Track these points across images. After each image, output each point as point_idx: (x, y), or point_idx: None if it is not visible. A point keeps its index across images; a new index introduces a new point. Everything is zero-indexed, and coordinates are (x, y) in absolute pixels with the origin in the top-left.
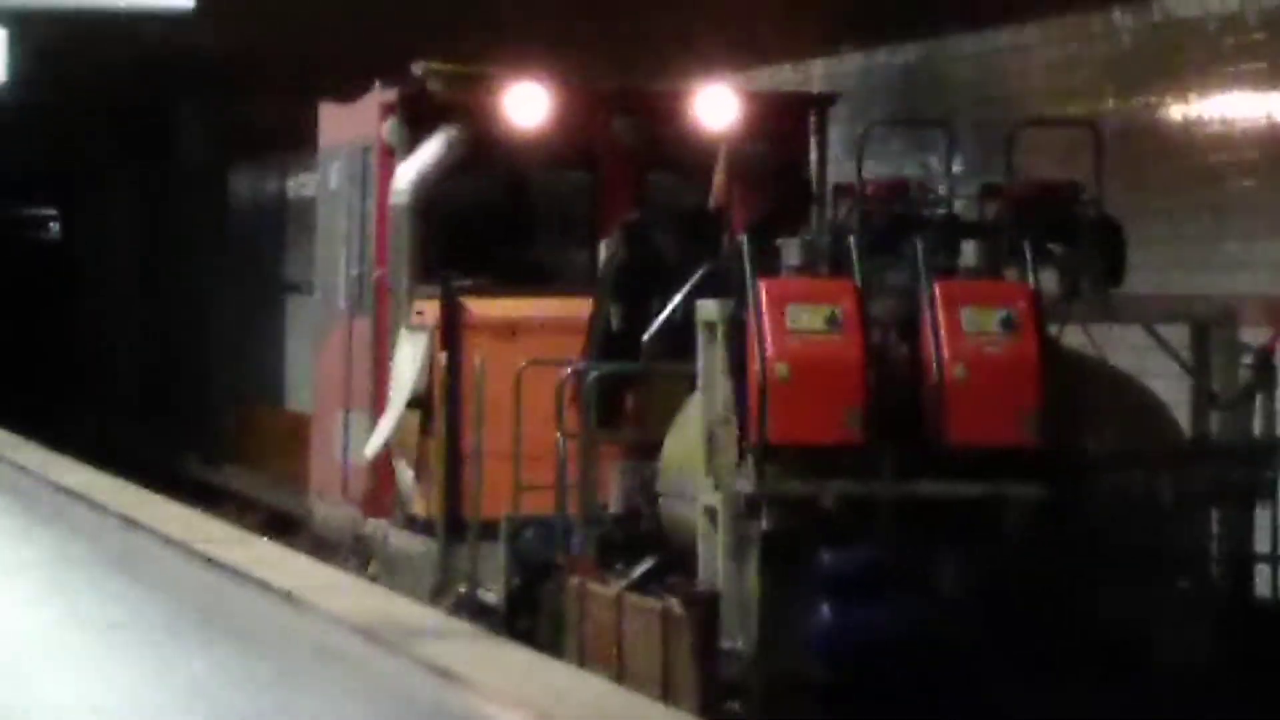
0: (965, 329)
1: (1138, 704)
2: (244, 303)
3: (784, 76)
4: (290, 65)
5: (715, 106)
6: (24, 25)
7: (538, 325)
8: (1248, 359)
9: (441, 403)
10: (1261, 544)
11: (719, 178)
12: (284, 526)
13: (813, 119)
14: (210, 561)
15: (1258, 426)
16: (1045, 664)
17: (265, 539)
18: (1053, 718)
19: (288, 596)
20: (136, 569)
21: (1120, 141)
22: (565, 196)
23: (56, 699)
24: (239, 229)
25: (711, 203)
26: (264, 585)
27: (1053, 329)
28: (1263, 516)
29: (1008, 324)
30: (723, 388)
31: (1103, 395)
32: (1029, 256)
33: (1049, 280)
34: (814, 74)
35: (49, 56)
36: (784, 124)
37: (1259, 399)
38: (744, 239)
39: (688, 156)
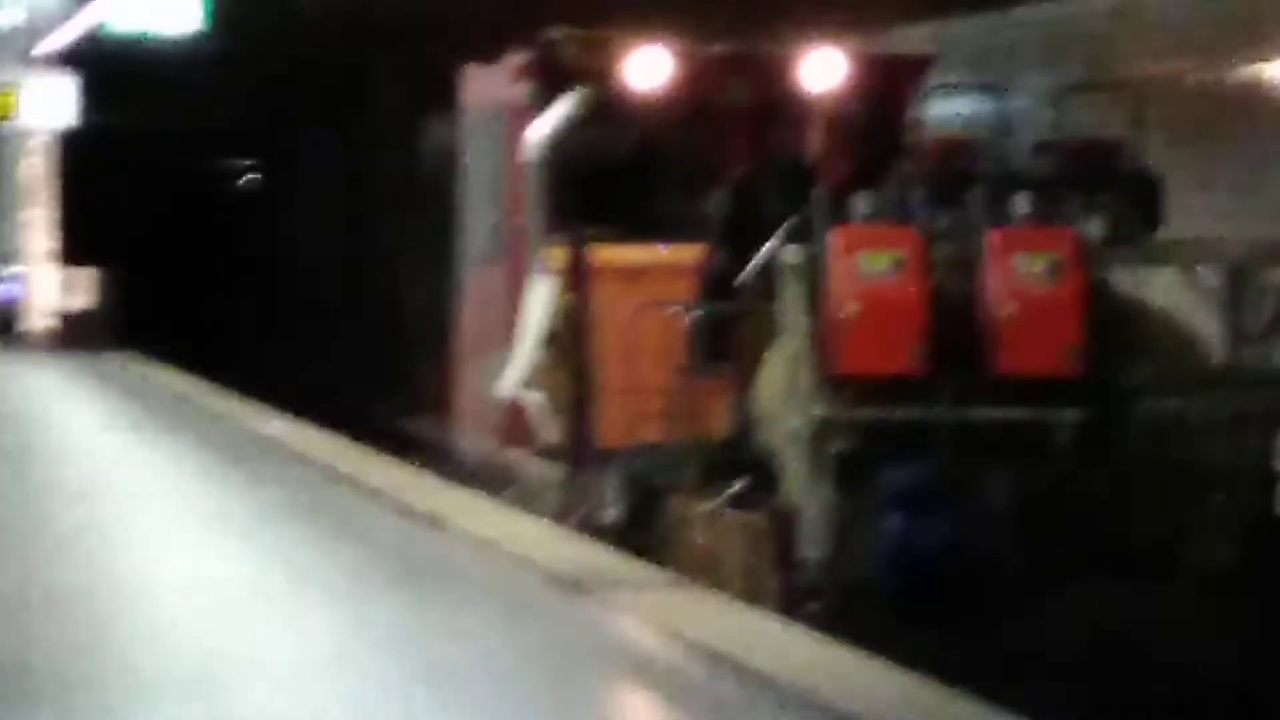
0: (1016, 271)
1: (1183, 613)
2: (438, 256)
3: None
4: (483, 24)
5: (820, 68)
6: None
7: (654, 270)
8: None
9: (569, 341)
10: None
11: (817, 136)
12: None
13: (912, 80)
14: (409, 510)
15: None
16: (1085, 571)
17: (463, 488)
18: (1092, 618)
19: (488, 545)
20: (336, 519)
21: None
22: (683, 152)
23: (257, 651)
24: (433, 182)
25: (810, 159)
26: (464, 534)
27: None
28: None
29: (1054, 267)
30: (802, 325)
31: (1144, 329)
32: (1074, 206)
33: (1095, 227)
34: (914, 37)
35: (248, 7)
36: (884, 84)
37: None
38: (821, 191)
39: (796, 114)
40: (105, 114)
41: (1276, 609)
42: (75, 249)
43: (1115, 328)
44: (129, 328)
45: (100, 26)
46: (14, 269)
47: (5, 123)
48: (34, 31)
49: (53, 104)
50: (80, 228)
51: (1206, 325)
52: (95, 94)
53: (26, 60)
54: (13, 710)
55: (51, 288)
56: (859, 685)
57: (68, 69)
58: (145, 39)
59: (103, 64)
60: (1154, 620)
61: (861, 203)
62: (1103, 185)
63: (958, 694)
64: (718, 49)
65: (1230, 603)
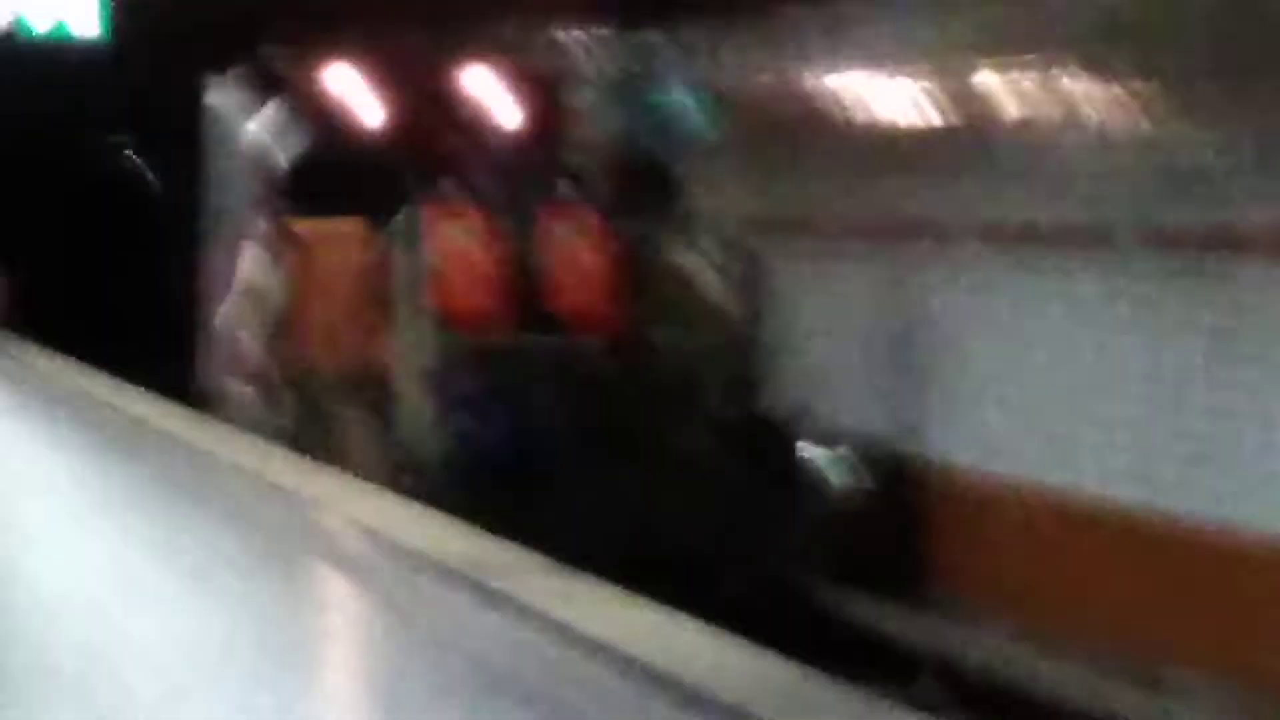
0: (559, 238)
1: (668, 484)
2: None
3: None
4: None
5: (473, 82)
6: None
7: (347, 238)
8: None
9: (269, 292)
10: None
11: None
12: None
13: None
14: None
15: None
16: (605, 465)
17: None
18: (616, 498)
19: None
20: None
21: None
22: (365, 146)
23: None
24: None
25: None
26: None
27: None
28: None
29: (587, 235)
30: (406, 270)
31: (660, 279)
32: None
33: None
34: None
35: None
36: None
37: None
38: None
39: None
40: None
41: (724, 475)
42: None
43: (630, 281)
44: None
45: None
46: None
47: None
48: None
49: None
50: None
51: (701, 280)
52: None
53: None
54: None
55: None
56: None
57: None
58: (44, 40)
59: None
60: (649, 484)
61: (445, 185)
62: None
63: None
64: (391, 63)
65: (700, 472)
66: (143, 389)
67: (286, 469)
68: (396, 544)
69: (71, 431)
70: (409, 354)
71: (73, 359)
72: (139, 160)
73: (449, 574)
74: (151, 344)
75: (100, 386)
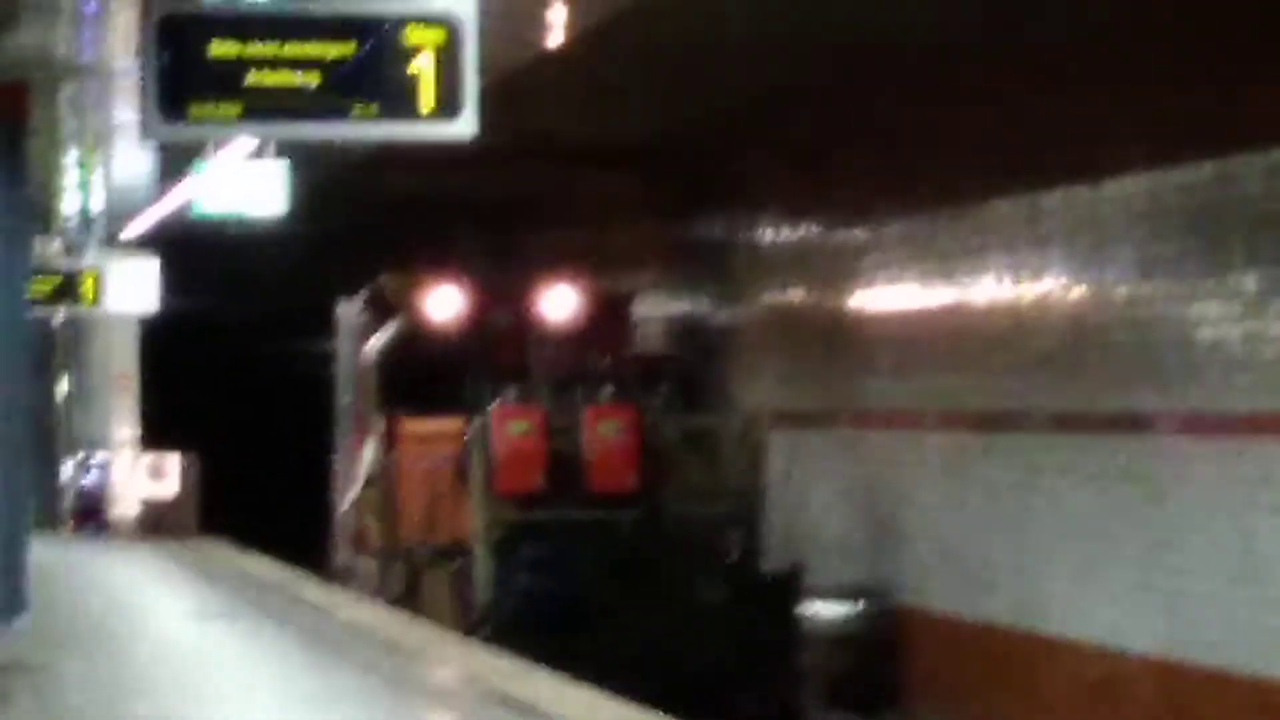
0: (600, 430)
1: (690, 628)
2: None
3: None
4: (565, 201)
5: (556, 300)
6: (305, 156)
7: (438, 434)
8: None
9: (385, 480)
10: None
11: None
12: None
13: (620, 308)
14: (505, 698)
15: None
16: (638, 610)
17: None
18: (647, 638)
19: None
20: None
21: None
22: (465, 355)
23: None
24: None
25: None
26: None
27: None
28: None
29: (622, 428)
30: (480, 462)
31: (675, 465)
32: (640, 392)
33: (656, 403)
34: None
35: (329, 187)
36: (599, 312)
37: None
38: (483, 382)
39: (535, 331)
40: (188, 298)
41: (738, 620)
42: (159, 435)
43: (659, 464)
44: (214, 514)
45: (184, 210)
46: (99, 456)
47: (90, 308)
48: (115, 216)
49: (136, 289)
50: (163, 413)
51: (717, 462)
52: (178, 278)
53: (109, 244)
54: None
55: (136, 475)
56: None
57: (151, 253)
58: (230, 222)
59: (186, 248)
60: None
61: (509, 391)
62: (658, 381)
63: None
64: (487, 284)
65: (719, 622)
66: (296, 567)
67: (398, 627)
68: (478, 681)
69: (246, 604)
70: (482, 528)
71: (239, 542)
72: (306, 364)
73: (518, 706)
74: (300, 525)
75: (264, 568)
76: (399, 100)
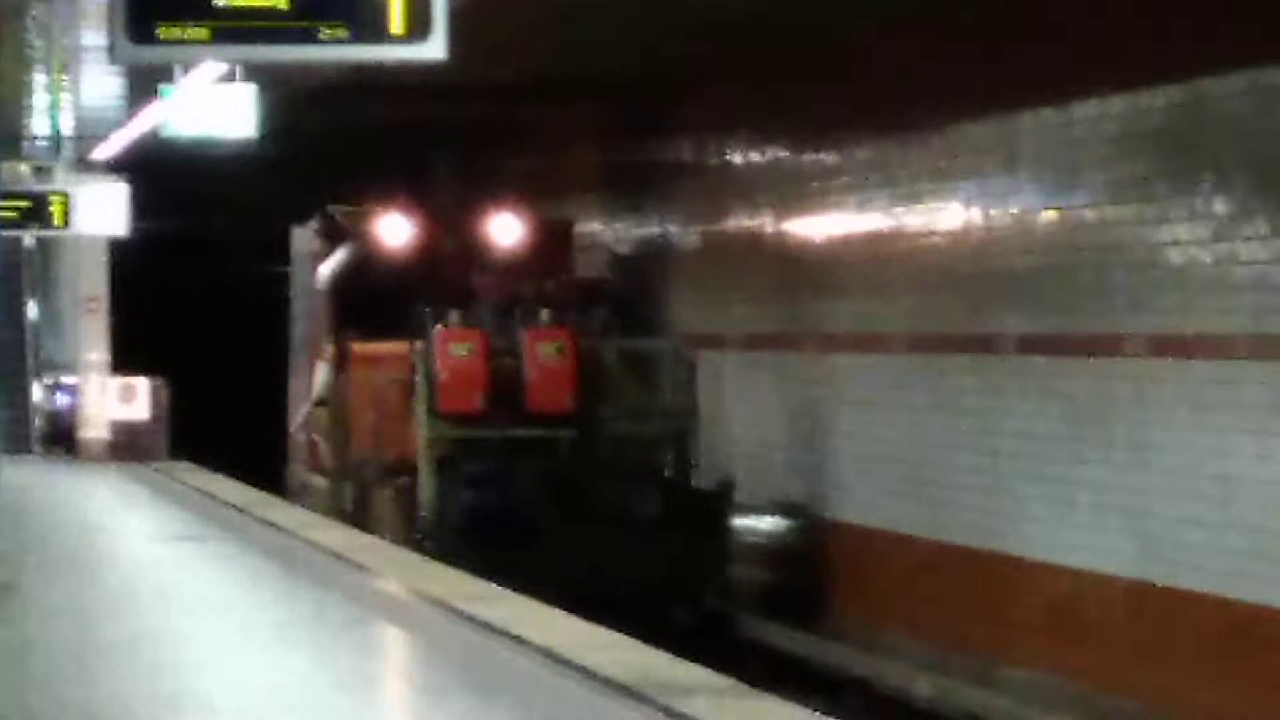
0: (538, 352)
1: (625, 541)
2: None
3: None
4: (515, 129)
5: (501, 227)
6: (272, 80)
7: (386, 356)
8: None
9: (336, 400)
10: None
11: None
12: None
13: (562, 234)
14: (470, 619)
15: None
16: (575, 526)
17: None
18: (584, 552)
19: (548, 653)
20: (398, 626)
21: None
22: (412, 281)
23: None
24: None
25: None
26: (521, 641)
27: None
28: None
29: (560, 350)
30: (424, 383)
31: (612, 384)
32: (578, 315)
33: (593, 325)
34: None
35: (299, 111)
36: (542, 238)
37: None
38: (428, 306)
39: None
40: (157, 221)
41: (670, 533)
42: (127, 358)
43: (596, 385)
44: (188, 438)
45: (155, 132)
46: (68, 379)
47: (58, 232)
48: (83, 138)
49: (105, 211)
50: (132, 336)
51: (651, 383)
52: (147, 201)
53: (77, 167)
54: None
55: (106, 398)
56: None
57: (120, 176)
58: (200, 144)
59: (156, 171)
60: (607, 540)
61: (453, 316)
62: (595, 305)
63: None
64: (434, 215)
65: (653, 536)
66: (252, 483)
67: (350, 544)
68: (423, 593)
69: (210, 524)
70: (426, 447)
71: (205, 464)
72: (269, 288)
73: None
74: (259, 445)
75: (224, 487)
76: (369, 22)
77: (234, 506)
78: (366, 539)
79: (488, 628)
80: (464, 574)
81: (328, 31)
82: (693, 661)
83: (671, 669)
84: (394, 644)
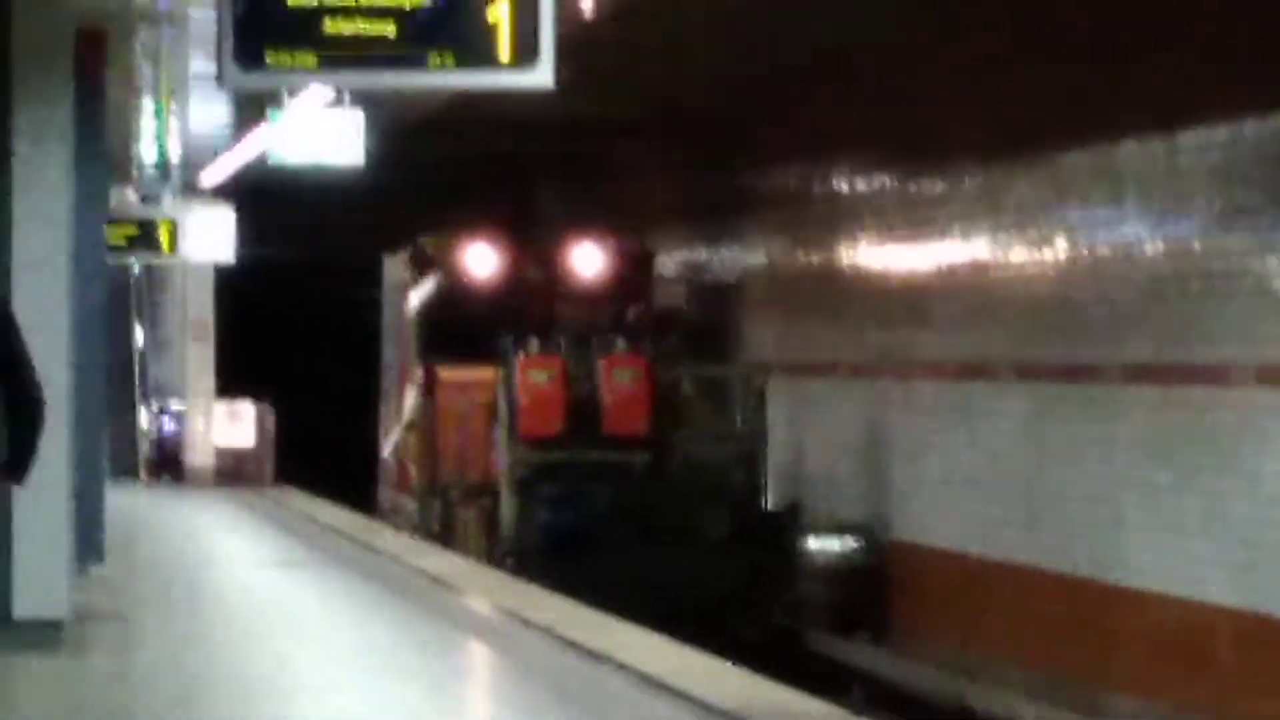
0: (614, 379)
1: (696, 560)
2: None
3: None
4: (647, 146)
5: (583, 256)
6: (375, 108)
7: (474, 382)
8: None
9: (423, 424)
10: None
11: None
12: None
13: (641, 263)
14: (572, 645)
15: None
16: (648, 545)
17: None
18: (657, 570)
19: (650, 680)
20: (501, 652)
21: None
22: (501, 309)
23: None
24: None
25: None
26: (625, 668)
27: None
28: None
29: (635, 376)
30: (506, 408)
31: (686, 411)
32: (653, 344)
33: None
34: None
35: (417, 136)
36: (622, 267)
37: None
38: (510, 334)
39: (566, 285)
40: (264, 247)
41: (746, 559)
42: (235, 384)
43: (669, 410)
44: (289, 463)
45: (262, 159)
46: (176, 405)
47: (166, 257)
48: (191, 164)
49: (212, 237)
50: (240, 362)
51: (723, 408)
52: (254, 227)
53: (185, 193)
54: None
55: (212, 423)
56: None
57: (228, 202)
58: (306, 171)
59: (262, 197)
60: (679, 558)
61: (533, 342)
62: (669, 332)
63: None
64: (520, 243)
65: (723, 556)
66: (348, 506)
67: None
68: (515, 614)
69: (312, 547)
70: (507, 469)
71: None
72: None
73: (545, 632)
74: (356, 468)
75: (323, 510)
76: (477, 49)
77: (337, 531)
78: (463, 563)
79: (592, 655)
80: (563, 598)
81: (436, 58)
82: (779, 681)
83: (774, 695)
84: (491, 670)
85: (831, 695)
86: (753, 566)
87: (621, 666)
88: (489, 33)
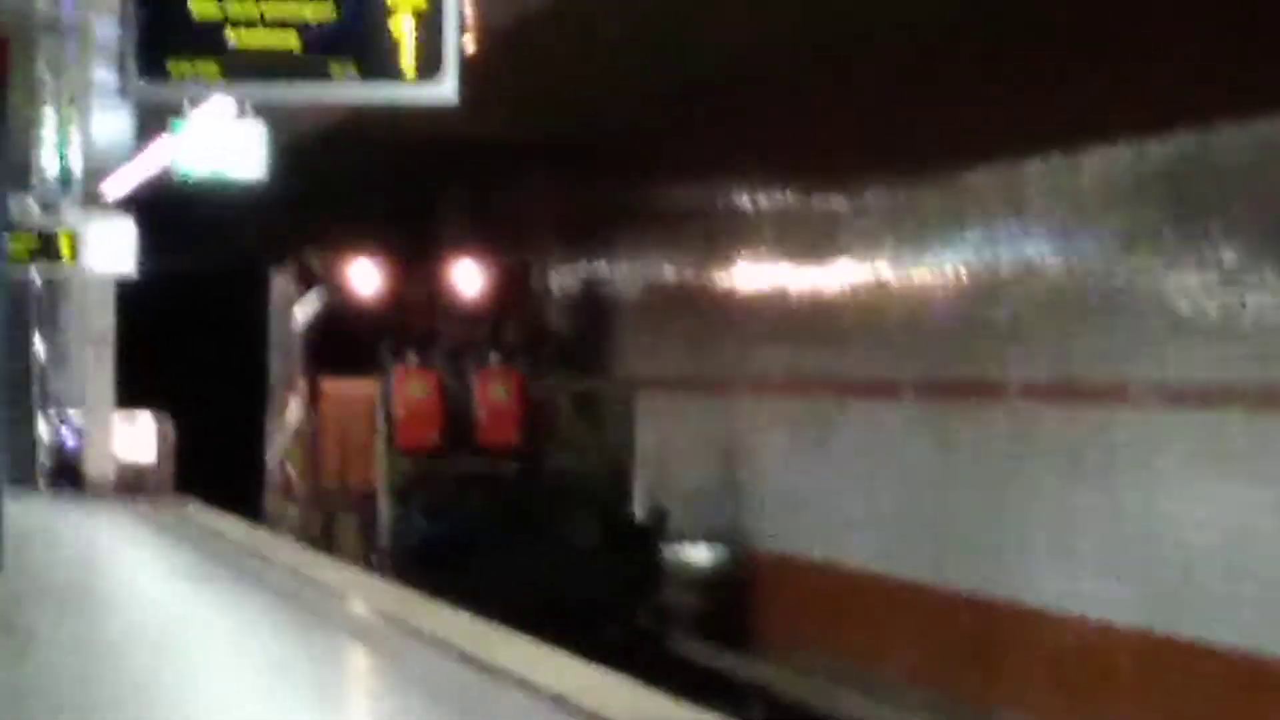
0: (488, 392)
1: (565, 566)
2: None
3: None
4: (554, 155)
5: (462, 273)
6: (276, 121)
7: (353, 394)
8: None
9: (308, 433)
10: None
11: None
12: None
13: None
14: (473, 661)
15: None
16: (524, 550)
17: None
18: (528, 574)
19: (556, 698)
20: (398, 667)
21: None
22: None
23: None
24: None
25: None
26: (528, 685)
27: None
28: None
29: (508, 389)
30: (384, 420)
31: (554, 422)
32: (527, 359)
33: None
34: None
35: (306, 152)
36: (500, 284)
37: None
38: (388, 348)
39: (445, 301)
40: (163, 258)
41: (613, 565)
42: (133, 394)
43: (541, 422)
44: (185, 472)
45: (167, 171)
46: (74, 416)
47: (67, 269)
48: (92, 174)
49: (113, 249)
50: (138, 373)
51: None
52: (153, 238)
53: (87, 204)
54: None
55: (111, 434)
56: None
57: (128, 213)
58: (208, 184)
59: (160, 208)
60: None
61: (410, 357)
62: (541, 347)
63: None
64: (402, 261)
65: (591, 561)
66: (238, 514)
67: (316, 564)
68: (388, 614)
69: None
70: (385, 478)
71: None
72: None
73: (430, 639)
74: (247, 477)
75: (212, 518)
76: (380, 63)
77: (235, 543)
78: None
79: (491, 670)
80: (467, 614)
81: (339, 71)
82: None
83: (668, 711)
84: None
85: (691, 697)
86: (619, 572)
87: (500, 671)
88: (393, 47)
